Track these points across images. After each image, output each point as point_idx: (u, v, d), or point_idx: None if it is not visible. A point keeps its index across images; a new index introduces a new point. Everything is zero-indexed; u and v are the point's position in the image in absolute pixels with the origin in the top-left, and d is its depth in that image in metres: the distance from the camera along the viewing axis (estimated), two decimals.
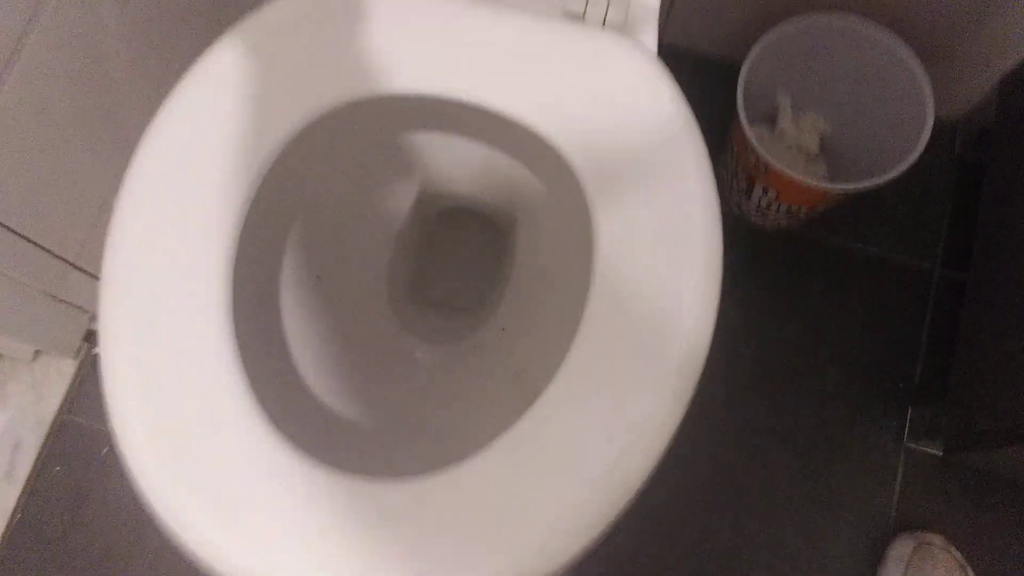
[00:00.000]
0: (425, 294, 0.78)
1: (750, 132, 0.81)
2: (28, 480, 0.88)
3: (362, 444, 0.65)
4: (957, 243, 0.98)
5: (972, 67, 0.92)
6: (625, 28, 0.56)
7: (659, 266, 0.51)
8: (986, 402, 0.77)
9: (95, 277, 0.87)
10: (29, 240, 0.75)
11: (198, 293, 0.51)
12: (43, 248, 0.77)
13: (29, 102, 0.68)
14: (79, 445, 0.90)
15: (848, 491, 0.91)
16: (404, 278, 0.77)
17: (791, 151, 0.97)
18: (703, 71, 1.02)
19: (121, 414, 0.50)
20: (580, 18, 0.56)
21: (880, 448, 0.92)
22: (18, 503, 0.88)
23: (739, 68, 0.83)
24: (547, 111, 0.53)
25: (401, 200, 0.79)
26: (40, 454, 0.89)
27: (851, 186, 0.80)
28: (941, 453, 0.90)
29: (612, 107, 0.53)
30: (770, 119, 0.98)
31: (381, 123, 0.67)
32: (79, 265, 0.83)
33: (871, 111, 0.91)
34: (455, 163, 0.77)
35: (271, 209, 0.60)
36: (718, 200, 0.53)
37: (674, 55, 1.03)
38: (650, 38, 0.58)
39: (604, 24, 0.55)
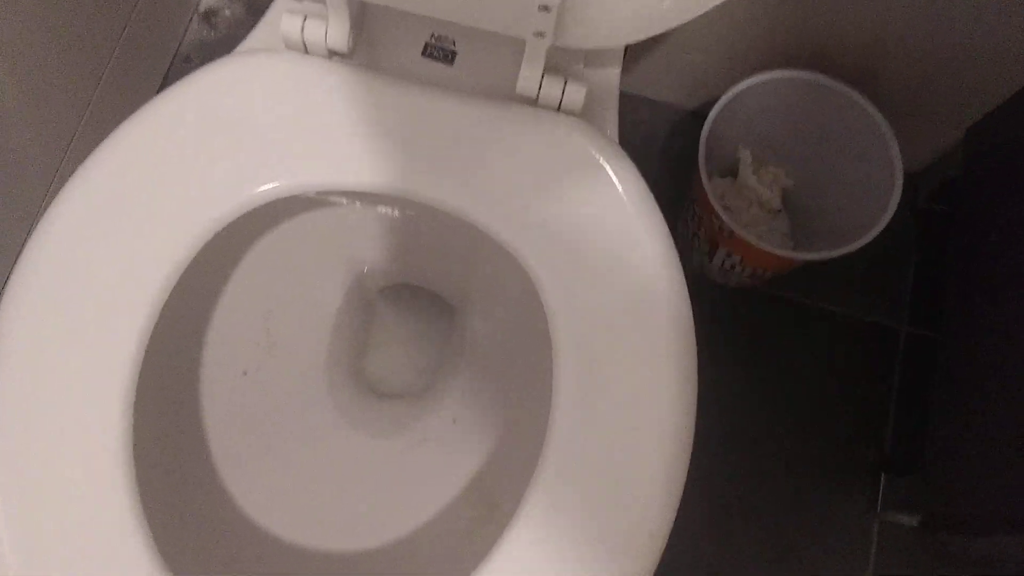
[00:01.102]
0: (368, 381, 0.72)
1: (715, 201, 0.76)
2: None
3: (304, 574, 0.58)
4: (923, 299, 0.95)
5: (937, 119, 0.89)
6: (583, 112, 0.50)
7: (627, 382, 0.45)
8: (966, 483, 0.73)
9: None
10: None
11: (93, 422, 0.43)
12: None
13: None
14: None
15: (822, 564, 0.86)
16: (344, 364, 0.71)
17: (752, 205, 0.93)
18: (664, 117, 0.98)
19: None
20: (533, 102, 0.50)
21: (853, 519, 0.88)
22: None
23: (701, 117, 0.78)
24: (494, 205, 0.47)
25: (339, 279, 0.72)
26: None
27: (820, 255, 0.76)
28: (916, 523, 0.86)
29: (567, 201, 0.47)
30: (732, 171, 0.94)
31: (316, 213, 0.61)
32: None
33: (835, 167, 0.87)
34: (398, 240, 0.71)
35: (181, 310, 0.52)
36: (688, 306, 0.47)
37: (635, 101, 0.98)
38: (610, 121, 0.52)
39: (560, 108, 0.49)
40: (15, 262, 0.46)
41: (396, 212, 0.68)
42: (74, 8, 0.74)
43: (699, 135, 0.79)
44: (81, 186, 0.45)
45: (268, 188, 0.46)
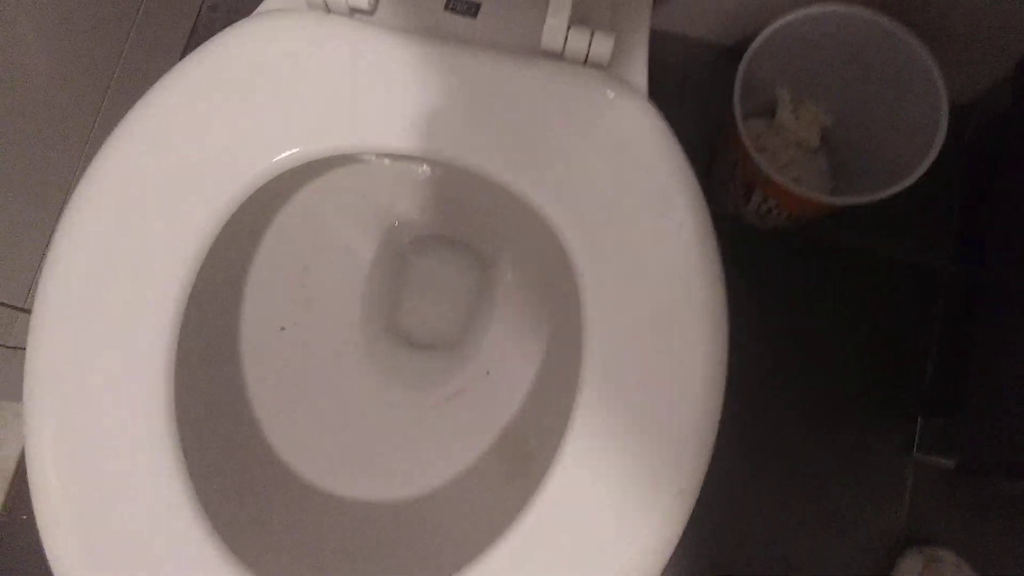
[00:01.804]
0: (402, 333, 0.73)
1: (750, 144, 0.74)
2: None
3: (340, 521, 0.60)
4: (968, 238, 0.92)
5: (985, 51, 0.85)
6: (610, 64, 0.49)
7: (658, 333, 0.45)
8: (1005, 425, 0.72)
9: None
10: None
11: (137, 377, 0.45)
12: None
13: None
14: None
15: (856, 506, 0.87)
16: (378, 317, 0.71)
17: (790, 146, 0.90)
18: (699, 55, 0.95)
19: (50, 528, 0.44)
20: (559, 56, 0.49)
21: (888, 461, 0.88)
22: None
23: (736, 54, 0.76)
24: (520, 166, 0.47)
25: (369, 232, 0.72)
26: (4, 503, 0.84)
27: (861, 199, 0.74)
28: (952, 465, 0.86)
29: (596, 156, 0.46)
30: (768, 111, 0.91)
31: (346, 169, 0.60)
32: (27, 308, 0.77)
33: (877, 103, 0.84)
34: (428, 192, 0.71)
35: (221, 264, 0.53)
36: (718, 256, 0.47)
37: (668, 39, 0.95)
38: (639, 73, 0.51)
39: (586, 62, 0.48)
40: (55, 227, 0.47)
41: (425, 167, 0.68)
42: None
43: (734, 73, 0.76)
44: (117, 148, 0.46)
45: (295, 152, 0.46)
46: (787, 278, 0.92)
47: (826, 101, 0.89)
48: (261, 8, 0.51)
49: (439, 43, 0.48)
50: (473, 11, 0.51)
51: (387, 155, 0.55)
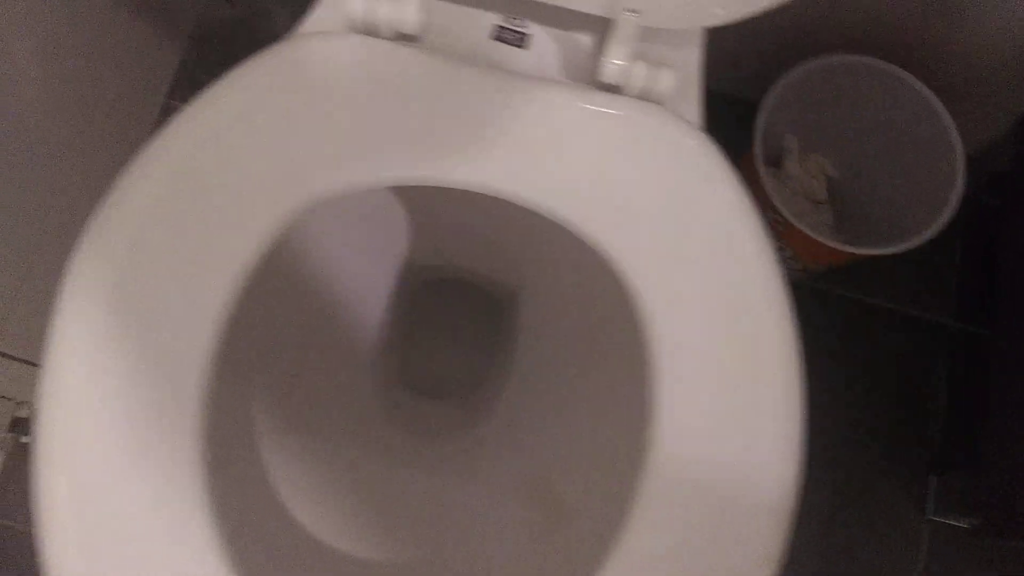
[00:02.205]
0: (415, 382, 0.68)
1: (773, 192, 0.73)
2: None
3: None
4: (971, 293, 0.93)
5: (988, 107, 0.86)
6: (666, 100, 0.47)
7: (734, 387, 0.42)
8: None
9: (19, 360, 0.75)
10: None
11: (167, 437, 0.40)
12: None
13: None
14: (9, 552, 0.78)
15: (871, 564, 0.84)
16: (390, 365, 0.67)
17: (797, 196, 0.90)
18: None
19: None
20: (615, 89, 0.47)
21: (902, 519, 0.85)
22: None
23: (741, 103, 0.75)
24: (578, 200, 0.44)
25: (381, 273, 0.69)
26: None
27: (885, 250, 0.73)
28: (968, 526, 0.84)
29: (658, 193, 0.44)
30: (774, 161, 0.91)
31: (371, 206, 0.57)
32: (1, 349, 0.71)
33: (886, 155, 0.84)
34: (444, 232, 0.68)
35: (244, 302, 0.49)
36: (788, 303, 0.44)
37: None
38: (695, 109, 0.49)
39: (642, 96, 0.46)
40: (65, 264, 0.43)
41: (444, 202, 0.65)
42: None
43: (742, 123, 0.75)
44: (139, 180, 0.42)
45: (337, 182, 0.43)
46: (799, 331, 0.90)
47: (833, 152, 0.89)
48: (300, 30, 0.48)
49: (491, 72, 0.45)
50: (522, 42, 0.49)
51: (426, 187, 0.51)
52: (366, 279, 0.68)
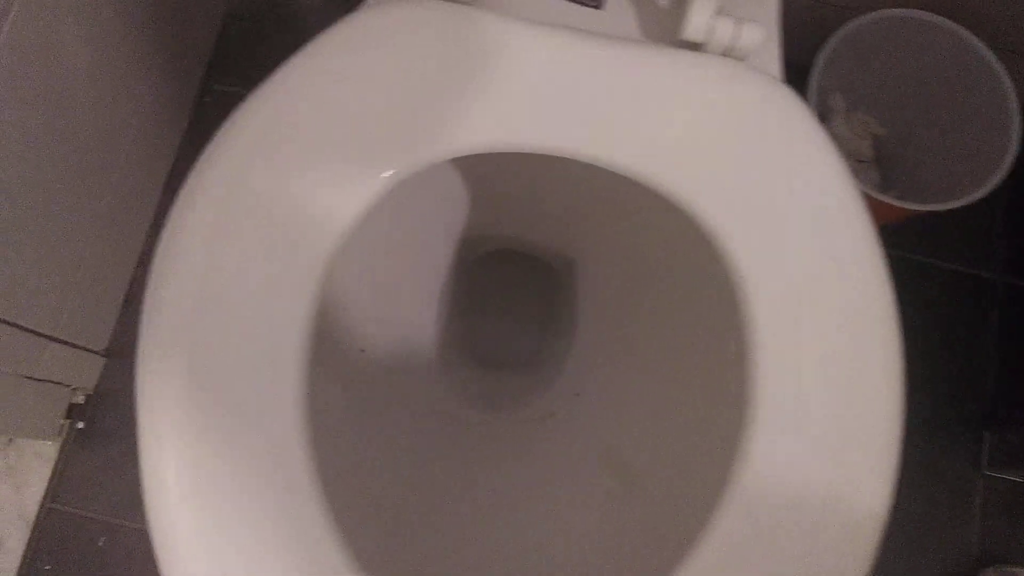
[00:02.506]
0: (478, 353, 0.68)
1: None
2: None
3: (436, 548, 0.55)
4: (1021, 247, 0.92)
5: None
6: (749, 55, 0.46)
7: (834, 355, 0.41)
8: None
9: (74, 346, 0.75)
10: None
11: (270, 407, 0.39)
12: (15, 325, 0.64)
13: None
14: (69, 538, 0.78)
15: (927, 523, 0.84)
16: (453, 337, 0.67)
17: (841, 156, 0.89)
18: None
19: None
20: (696, 46, 0.46)
21: (957, 477, 0.85)
22: None
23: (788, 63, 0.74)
24: (671, 162, 0.43)
25: (441, 245, 0.68)
26: (26, 552, 0.76)
27: (939, 205, 0.72)
28: (1023, 479, 0.84)
29: (751, 152, 0.43)
30: (819, 120, 0.89)
31: (430, 176, 0.56)
32: (55, 336, 0.71)
33: (935, 113, 0.83)
34: (500, 201, 0.67)
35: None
36: (887, 276, 0.44)
37: None
38: (775, 64, 0.48)
39: (726, 52, 0.45)
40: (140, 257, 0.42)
41: (500, 171, 0.64)
42: None
43: (788, 83, 0.74)
44: (220, 163, 0.41)
45: (426, 153, 0.42)
46: None
47: (879, 110, 0.88)
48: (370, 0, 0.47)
49: (571, 33, 0.44)
50: (598, 1, 0.48)
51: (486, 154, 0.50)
52: (425, 251, 0.67)
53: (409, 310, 0.64)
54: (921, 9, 0.75)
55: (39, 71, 0.58)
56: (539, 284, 0.71)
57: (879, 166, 0.90)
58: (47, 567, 0.77)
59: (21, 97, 0.57)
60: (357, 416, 0.58)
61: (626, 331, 0.61)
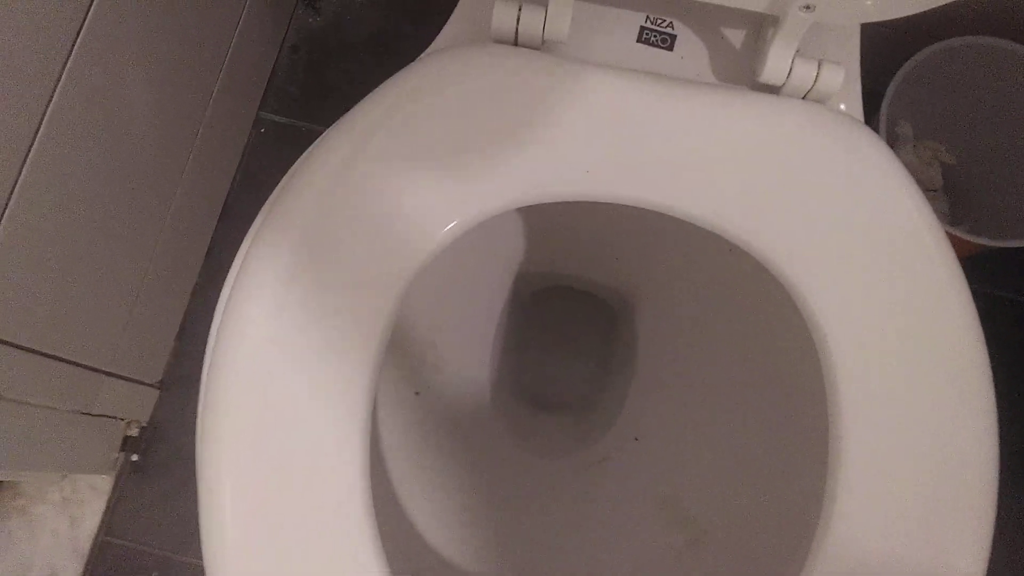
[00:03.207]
0: (532, 396, 0.66)
1: None
2: None
3: None
4: None
5: None
6: (829, 98, 0.43)
7: (923, 408, 0.39)
8: None
9: (129, 380, 0.75)
10: (54, 357, 0.62)
11: (334, 465, 0.38)
12: (70, 362, 0.65)
13: (45, 199, 0.55)
14: (123, 570, 0.78)
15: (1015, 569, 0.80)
16: (507, 379, 0.65)
17: None
18: None
19: None
20: (775, 89, 0.44)
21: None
22: None
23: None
24: (748, 210, 0.41)
25: (495, 287, 0.67)
26: None
27: (1008, 242, 0.69)
28: None
29: (832, 200, 0.41)
30: None
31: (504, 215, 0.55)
32: (112, 371, 0.71)
33: (1007, 141, 0.80)
34: (557, 238, 0.65)
35: None
36: (977, 320, 0.41)
37: None
38: (856, 106, 0.46)
39: (806, 96, 0.43)
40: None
41: (559, 209, 0.63)
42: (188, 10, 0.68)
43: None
44: (294, 206, 0.40)
45: (501, 202, 0.41)
46: None
47: (948, 139, 0.84)
48: (434, 45, 0.46)
49: (646, 77, 0.42)
50: (668, 43, 0.46)
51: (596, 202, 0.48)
52: (481, 288, 0.66)
53: (463, 350, 0.63)
54: (992, 36, 0.72)
55: (101, 109, 0.58)
56: (597, 323, 0.69)
57: (948, 196, 0.86)
58: None
59: (83, 134, 0.57)
60: (414, 462, 0.57)
61: (690, 376, 0.59)
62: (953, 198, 0.86)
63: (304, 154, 0.44)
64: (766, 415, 0.49)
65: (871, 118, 0.73)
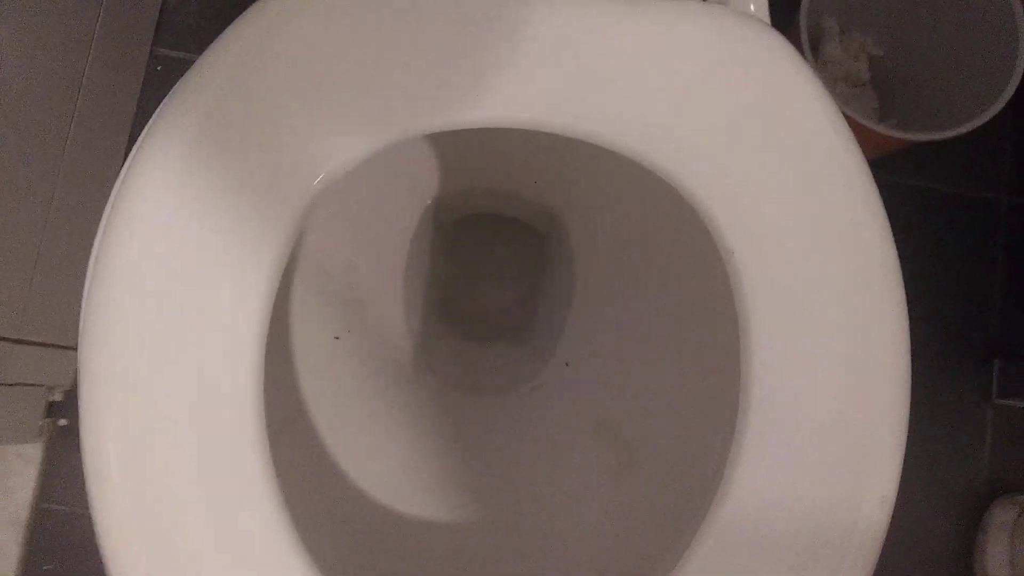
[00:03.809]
0: (460, 328, 0.65)
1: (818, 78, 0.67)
2: None
3: (429, 547, 0.53)
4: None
5: None
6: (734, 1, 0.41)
7: (833, 322, 0.38)
8: None
9: (42, 345, 0.71)
10: None
11: (223, 398, 0.36)
12: None
13: None
14: (66, 534, 0.77)
15: (936, 455, 0.83)
16: (433, 313, 0.64)
17: (837, 80, 0.84)
18: None
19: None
20: None
21: (966, 406, 0.83)
22: None
23: None
24: (648, 129, 0.39)
25: (411, 216, 0.64)
26: (23, 555, 0.75)
27: (933, 135, 0.68)
28: None
29: (740, 109, 0.39)
30: (813, 45, 0.84)
31: (408, 148, 0.52)
32: (22, 338, 0.67)
33: (935, 31, 0.78)
34: (472, 161, 0.63)
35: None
36: (888, 229, 0.40)
37: None
38: (760, 8, 0.43)
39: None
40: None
41: (472, 135, 0.60)
42: None
43: (780, 3, 0.69)
44: (171, 129, 0.37)
45: (381, 135, 0.38)
46: None
47: (876, 30, 0.82)
48: None
49: None
50: None
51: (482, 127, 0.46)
52: (397, 220, 0.63)
53: (384, 288, 0.61)
54: None
55: None
56: (524, 249, 0.67)
57: (877, 89, 0.85)
58: (47, 567, 0.75)
59: None
60: (332, 402, 0.55)
61: (619, 299, 0.58)
62: (882, 91, 0.85)
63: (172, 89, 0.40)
64: (692, 338, 0.49)
65: (794, 13, 0.70)
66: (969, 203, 0.87)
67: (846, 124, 0.40)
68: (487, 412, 0.61)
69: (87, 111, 0.70)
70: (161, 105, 0.38)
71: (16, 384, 0.69)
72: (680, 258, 0.48)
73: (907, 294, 0.79)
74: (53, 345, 0.73)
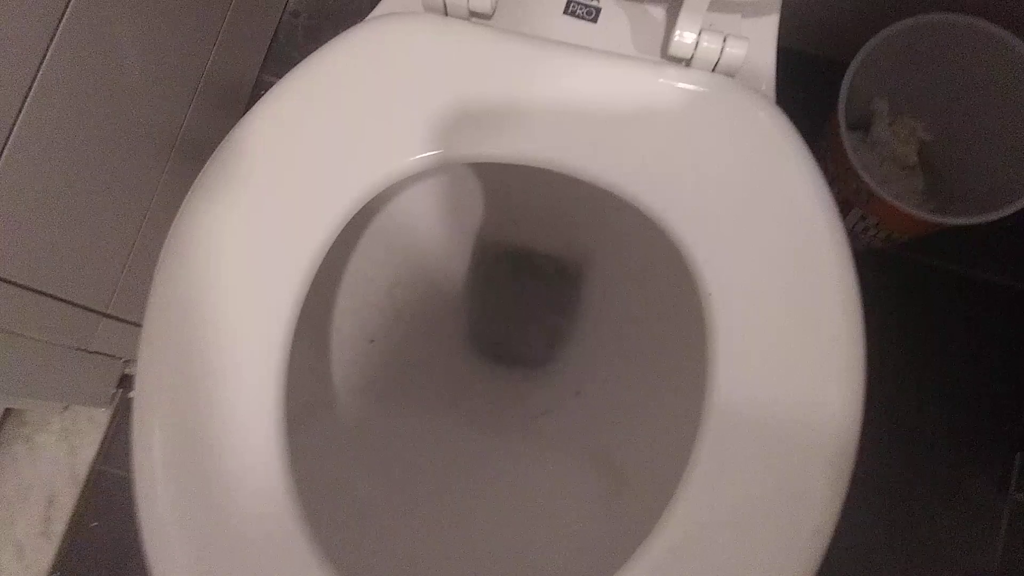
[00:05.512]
0: (487, 350, 0.70)
1: (855, 159, 0.71)
2: (65, 537, 0.83)
3: (428, 543, 0.58)
4: None
5: None
6: (738, 71, 0.46)
7: (792, 370, 0.42)
8: None
9: (127, 322, 0.81)
10: (54, 296, 0.68)
11: (250, 388, 0.43)
12: (69, 303, 0.70)
13: (42, 148, 0.60)
14: (117, 497, 0.85)
15: (948, 544, 0.83)
16: (463, 333, 0.70)
17: (885, 161, 0.87)
18: (789, 66, 0.92)
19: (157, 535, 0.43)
20: (685, 62, 0.46)
21: (983, 497, 0.83)
22: (55, 561, 0.82)
23: (829, 65, 0.73)
24: (647, 177, 0.44)
25: (455, 245, 0.70)
26: (76, 509, 0.83)
27: (973, 219, 0.70)
28: None
29: (726, 167, 0.44)
30: (862, 125, 0.87)
31: (429, 180, 0.59)
32: (110, 313, 0.76)
33: (983, 119, 0.80)
34: (516, 205, 0.69)
35: (321, 278, 0.51)
36: (858, 293, 0.44)
37: None
38: (767, 82, 0.48)
39: (715, 69, 0.46)
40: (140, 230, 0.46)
41: (515, 176, 0.66)
42: None
43: (828, 85, 0.73)
44: (234, 152, 0.45)
45: (424, 157, 0.44)
46: (879, 301, 0.88)
47: (925, 115, 0.85)
48: (375, 12, 0.50)
49: (562, 47, 0.46)
50: (593, 16, 0.49)
51: (496, 163, 0.52)
52: (441, 250, 0.70)
53: (420, 305, 0.67)
54: (965, 13, 0.73)
55: (93, 67, 0.63)
56: (557, 286, 0.72)
57: (925, 171, 0.87)
58: (94, 523, 0.83)
59: (75, 91, 0.62)
60: (360, 396, 0.61)
61: (624, 334, 0.62)
62: (930, 174, 0.87)
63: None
64: (675, 371, 0.53)
65: (836, 92, 0.74)
66: (1006, 292, 0.88)
67: (830, 194, 0.44)
68: (500, 425, 0.66)
69: (193, 125, 0.80)
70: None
71: (97, 352, 0.77)
72: (675, 298, 0.53)
73: (937, 378, 0.82)
74: (135, 323, 0.82)
